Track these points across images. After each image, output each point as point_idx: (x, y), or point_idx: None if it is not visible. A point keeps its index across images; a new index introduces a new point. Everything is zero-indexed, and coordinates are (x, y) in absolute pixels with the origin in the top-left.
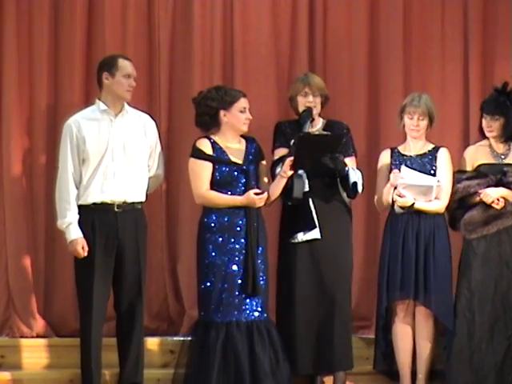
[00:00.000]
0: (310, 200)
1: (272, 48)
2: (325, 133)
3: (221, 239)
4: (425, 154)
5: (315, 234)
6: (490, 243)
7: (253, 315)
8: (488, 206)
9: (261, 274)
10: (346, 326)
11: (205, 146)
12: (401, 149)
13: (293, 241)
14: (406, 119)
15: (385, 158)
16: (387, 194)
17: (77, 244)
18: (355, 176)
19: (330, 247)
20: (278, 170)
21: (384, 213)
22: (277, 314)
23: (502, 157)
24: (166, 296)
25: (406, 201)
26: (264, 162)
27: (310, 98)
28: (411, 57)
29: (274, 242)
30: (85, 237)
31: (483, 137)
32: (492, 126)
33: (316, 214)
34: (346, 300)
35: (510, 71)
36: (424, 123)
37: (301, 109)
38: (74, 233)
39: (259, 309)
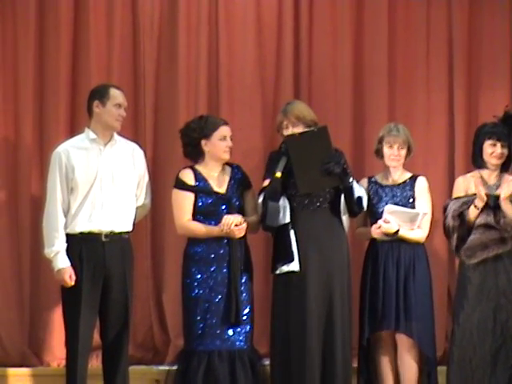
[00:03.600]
0: (292, 231)
1: (257, 76)
2: (308, 129)
3: (204, 269)
4: (403, 183)
5: (293, 266)
6: (486, 273)
7: (235, 345)
8: (487, 230)
9: (244, 304)
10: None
11: (187, 176)
12: (378, 178)
13: (276, 272)
14: (386, 149)
15: (362, 186)
16: (365, 235)
17: (64, 273)
18: (360, 190)
19: (328, 274)
20: (260, 199)
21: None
22: (271, 345)
23: (494, 187)
24: (151, 325)
25: (391, 227)
26: (250, 190)
27: (290, 131)
28: (396, 86)
29: (263, 270)
30: (72, 266)
31: (476, 167)
32: (504, 154)
33: (297, 245)
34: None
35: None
36: (404, 152)
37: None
38: (61, 262)
39: (242, 338)
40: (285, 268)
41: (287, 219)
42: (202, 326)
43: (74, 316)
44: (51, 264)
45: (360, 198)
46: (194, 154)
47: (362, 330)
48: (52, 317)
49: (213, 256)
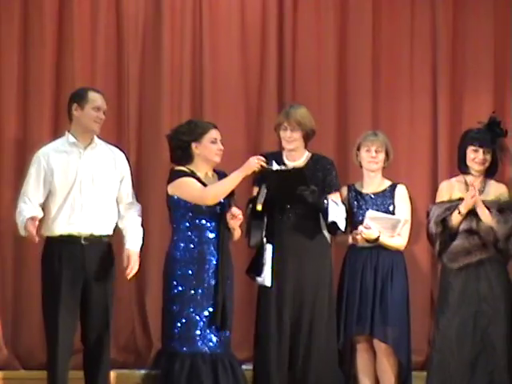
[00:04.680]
0: (269, 247)
1: (241, 80)
2: (284, 168)
3: (190, 271)
4: (382, 191)
5: (265, 281)
6: (468, 279)
7: (218, 349)
8: (470, 235)
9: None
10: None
11: (184, 169)
12: (358, 186)
13: (257, 282)
14: (363, 153)
15: (342, 194)
16: (346, 242)
17: (29, 222)
18: (336, 212)
19: (310, 285)
20: (248, 211)
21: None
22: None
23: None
24: (133, 328)
25: (371, 233)
26: (233, 198)
27: (288, 134)
28: (380, 90)
29: (244, 275)
30: (51, 269)
31: (462, 172)
32: (487, 160)
33: (277, 256)
34: (332, 341)
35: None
36: (382, 156)
37: (283, 142)
38: (27, 213)
39: (222, 343)
40: (259, 280)
41: (263, 234)
42: (184, 327)
43: (53, 319)
44: (20, 228)
45: (334, 224)
46: (183, 158)
47: (338, 335)
48: (33, 320)
49: (198, 258)
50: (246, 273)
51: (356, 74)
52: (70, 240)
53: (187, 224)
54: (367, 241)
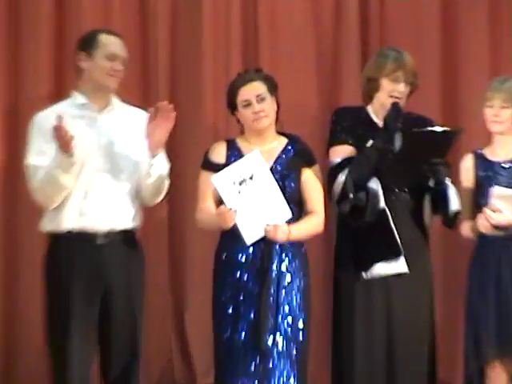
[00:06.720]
0: (390, 219)
1: (311, 23)
2: (441, 129)
3: (237, 278)
4: None
5: (400, 266)
6: None
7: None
8: None
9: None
10: None
11: (216, 152)
12: (487, 153)
13: (365, 277)
14: (487, 109)
15: (467, 166)
16: (468, 232)
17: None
18: (456, 200)
19: (411, 290)
20: (342, 178)
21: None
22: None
23: None
24: (170, 357)
25: (502, 217)
26: (312, 168)
27: (401, 87)
28: None
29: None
30: (58, 278)
31: None
32: None
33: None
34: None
35: None
36: (508, 113)
37: (383, 97)
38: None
39: (281, 377)
40: (387, 269)
41: (382, 203)
42: (228, 352)
43: (60, 346)
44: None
45: (457, 214)
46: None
47: (468, 359)
48: (33, 346)
49: (246, 260)
50: (362, 266)
51: None
52: (82, 238)
53: None
54: (497, 228)
